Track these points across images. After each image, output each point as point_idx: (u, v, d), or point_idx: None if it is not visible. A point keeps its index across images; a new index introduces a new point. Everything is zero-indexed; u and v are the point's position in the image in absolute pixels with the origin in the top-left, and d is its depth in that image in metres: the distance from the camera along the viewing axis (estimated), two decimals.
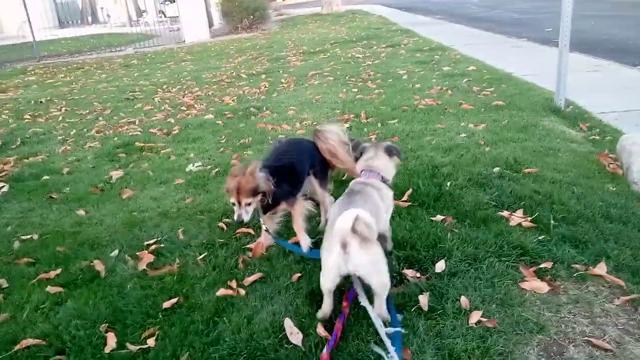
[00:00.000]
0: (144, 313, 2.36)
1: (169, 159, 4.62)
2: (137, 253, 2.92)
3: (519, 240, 2.61)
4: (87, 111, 7.12)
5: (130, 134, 5.64)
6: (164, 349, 2.12)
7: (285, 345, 2.07)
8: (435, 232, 2.76)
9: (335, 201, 2.47)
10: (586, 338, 1.98)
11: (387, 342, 1.86)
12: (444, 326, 2.08)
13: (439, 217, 2.93)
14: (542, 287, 2.27)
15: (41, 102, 8.15)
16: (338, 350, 2.00)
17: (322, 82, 7.42)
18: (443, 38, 10.61)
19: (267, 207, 2.69)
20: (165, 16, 28.23)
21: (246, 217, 2.53)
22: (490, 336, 2.00)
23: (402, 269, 2.49)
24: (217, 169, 4.15)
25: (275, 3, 31.03)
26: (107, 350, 2.15)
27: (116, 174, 4.28)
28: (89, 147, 5.31)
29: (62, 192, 4.06)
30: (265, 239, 2.83)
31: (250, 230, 3.03)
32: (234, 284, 2.51)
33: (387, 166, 2.62)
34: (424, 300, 2.22)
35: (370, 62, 8.64)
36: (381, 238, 2.37)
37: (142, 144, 5.11)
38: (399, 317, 2.11)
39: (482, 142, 4.14)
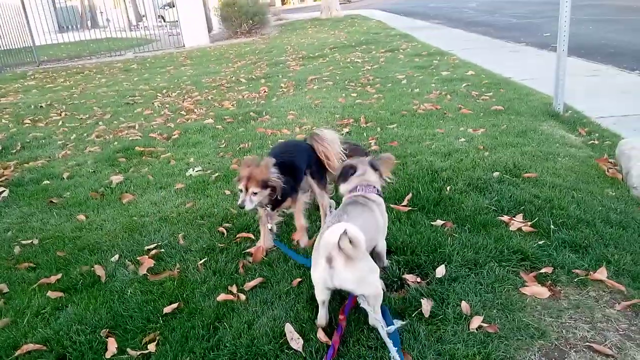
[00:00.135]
0: (144, 318, 2.36)
1: (169, 164, 4.63)
2: (138, 258, 2.92)
3: (519, 245, 2.61)
4: (87, 116, 7.13)
5: (130, 138, 5.64)
6: (164, 354, 2.11)
7: (286, 351, 2.07)
8: (436, 236, 2.77)
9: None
10: (587, 343, 1.98)
11: (389, 343, 1.85)
12: (444, 331, 2.08)
13: (439, 222, 2.94)
14: (543, 292, 2.28)
15: (41, 106, 8.16)
16: (339, 356, 2.00)
17: (322, 87, 7.44)
18: (441, 43, 10.66)
19: (275, 204, 2.75)
20: (164, 21, 28.30)
21: (249, 205, 2.58)
22: (491, 341, 2.00)
23: (403, 273, 2.50)
24: (217, 174, 4.16)
25: (275, 8, 31.15)
26: (107, 355, 2.15)
27: (116, 179, 4.29)
28: (89, 151, 5.32)
29: (62, 196, 4.06)
30: (265, 241, 2.85)
31: (251, 235, 3.04)
32: (234, 289, 2.51)
33: (378, 181, 2.61)
34: (426, 307, 2.21)
35: (370, 67, 8.67)
36: (376, 257, 2.39)
37: (142, 149, 5.11)
38: (400, 323, 2.11)
39: (482, 147, 4.15)
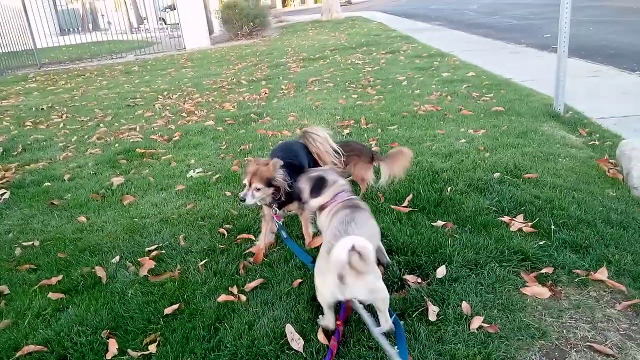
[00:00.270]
0: (145, 319, 2.36)
1: (169, 165, 4.64)
2: (138, 259, 2.92)
3: (519, 245, 2.61)
4: (88, 118, 7.14)
5: (131, 140, 5.65)
6: (165, 355, 2.12)
7: (287, 351, 2.07)
8: (436, 237, 2.77)
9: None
10: (588, 343, 1.98)
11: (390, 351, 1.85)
12: (445, 332, 2.08)
13: (440, 223, 2.94)
14: (544, 292, 2.28)
15: (42, 109, 8.17)
16: (339, 357, 2.00)
17: (322, 89, 7.45)
18: (442, 44, 10.67)
19: (281, 204, 2.78)
20: (165, 23, 28.39)
21: (250, 200, 2.62)
22: (491, 342, 2.00)
23: (403, 274, 2.50)
24: (217, 175, 4.16)
25: (275, 10, 31.20)
26: (108, 356, 2.15)
27: (117, 180, 4.29)
28: (90, 153, 5.33)
29: (63, 198, 4.07)
30: (267, 238, 2.88)
31: (251, 236, 3.04)
32: (235, 289, 2.51)
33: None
34: (432, 311, 2.19)
35: (370, 69, 8.68)
36: (379, 256, 2.38)
37: (143, 151, 5.12)
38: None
39: (482, 148, 4.15)
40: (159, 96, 8.37)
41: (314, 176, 2.43)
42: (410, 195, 3.31)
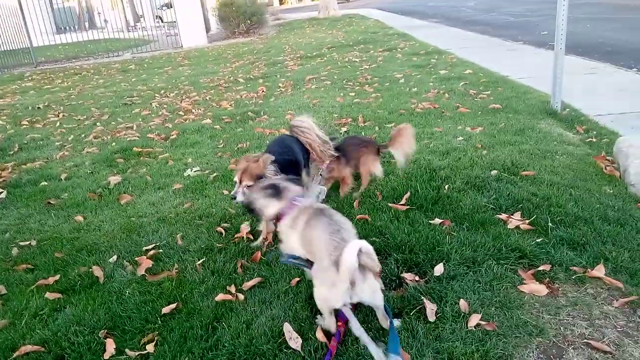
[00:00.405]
0: (143, 319, 2.36)
1: (167, 164, 4.62)
2: (136, 258, 2.91)
3: (517, 243, 2.62)
4: (85, 117, 7.12)
5: (128, 139, 5.64)
6: (163, 355, 2.11)
7: (285, 350, 2.07)
8: (434, 235, 2.77)
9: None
10: (585, 340, 1.98)
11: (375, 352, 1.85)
12: (443, 329, 2.08)
13: (437, 221, 2.94)
14: (541, 289, 2.28)
15: (39, 107, 8.14)
16: (338, 355, 2.00)
17: (320, 86, 7.44)
18: (439, 41, 10.66)
19: None
20: (162, 21, 28.28)
21: (240, 197, 2.66)
22: (489, 339, 2.00)
23: (401, 272, 2.50)
24: (215, 174, 4.16)
25: (272, 8, 31.13)
26: (106, 356, 2.14)
27: (114, 180, 4.28)
28: (87, 152, 5.31)
29: (60, 198, 4.06)
30: (268, 226, 2.91)
31: (250, 235, 3.04)
32: (232, 288, 2.51)
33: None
34: (431, 310, 2.19)
35: (367, 66, 8.67)
36: None
37: (140, 149, 5.11)
38: (397, 322, 2.12)
39: (480, 145, 4.15)
40: (156, 94, 8.35)
41: (266, 185, 2.39)
42: (408, 193, 3.31)
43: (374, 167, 3.39)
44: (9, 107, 8.53)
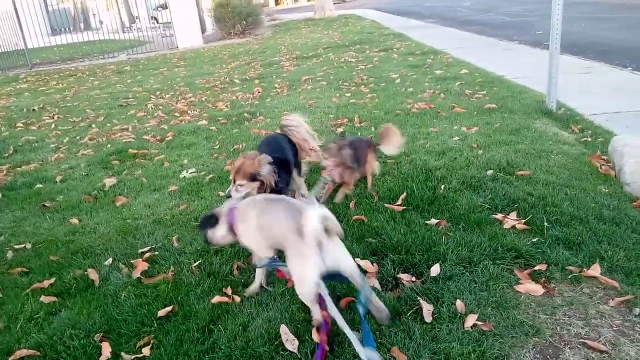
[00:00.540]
0: (138, 322, 2.35)
1: (162, 166, 4.61)
2: (132, 261, 2.90)
3: (513, 242, 2.62)
4: (80, 118, 7.09)
5: (123, 140, 5.62)
6: (159, 358, 2.11)
7: (281, 352, 2.06)
8: (430, 235, 2.77)
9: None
10: (581, 340, 1.99)
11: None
12: (439, 330, 2.08)
13: (433, 221, 2.94)
14: (537, 289, 2.28)
15: (33, 109, 8.11)
16: (334, 357, 2.00)
17: (316, 87, 7.44)
18: (435, 42, 10.68)
19: None
20: (157, 22, 28.22)
21: (235, 195, 2.65)
22: (486, 339, 2.00)
23: (398, 273, 2.50)
24: (211, 175, 4.15)
25: (268, 8, 31.10)
26: None
27: (109, 182, 4.26)
28: (82, 154, 5.29)
29: (55, 200, 4.04)
30: None
31: None
32: (229, 291, 2.50)
33: None
34: (427, 311, 2.19)
35: (363, 67, 8.67)
36: None
37: (135, 151, 5.09)
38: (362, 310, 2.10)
39: (475, 145, 4.16)
40: (152, 96, 8.33)
41: (205, 216, 2.37)
42: (404, 194, 3.31)
43: (375, 166, 3.50)
44: (4, 109, 8.49)
